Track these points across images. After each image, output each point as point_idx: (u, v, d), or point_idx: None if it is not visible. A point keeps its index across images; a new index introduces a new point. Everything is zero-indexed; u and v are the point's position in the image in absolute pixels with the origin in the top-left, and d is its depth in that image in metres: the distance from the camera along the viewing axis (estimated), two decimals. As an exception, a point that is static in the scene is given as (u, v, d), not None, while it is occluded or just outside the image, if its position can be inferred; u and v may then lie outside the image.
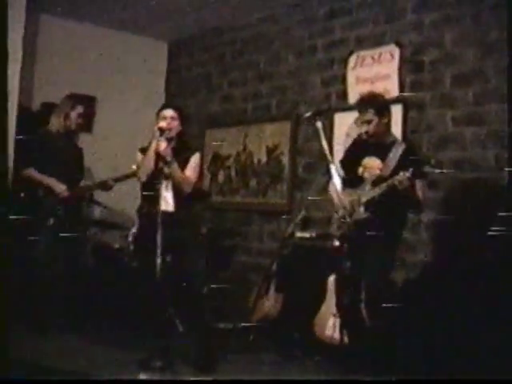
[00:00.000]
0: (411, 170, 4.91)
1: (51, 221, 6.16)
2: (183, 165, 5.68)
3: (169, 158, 5.45)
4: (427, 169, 4.95)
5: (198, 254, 5.75)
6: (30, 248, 6.11)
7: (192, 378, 4.85)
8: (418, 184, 5.12)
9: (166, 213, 5.34)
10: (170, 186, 5.53)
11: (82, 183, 6.59)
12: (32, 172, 6.28)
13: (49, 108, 6.75)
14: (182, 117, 5.80)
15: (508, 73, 5.41)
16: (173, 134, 5.63)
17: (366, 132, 5.38)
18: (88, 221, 7.19)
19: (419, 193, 5.16)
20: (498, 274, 5.12)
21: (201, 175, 5.95)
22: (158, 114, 5.76)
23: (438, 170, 5.04)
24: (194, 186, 5.78)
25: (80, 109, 6.41)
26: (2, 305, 3.95)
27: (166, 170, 5.43)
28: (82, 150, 6.66)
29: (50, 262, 6.12)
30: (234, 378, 4.96)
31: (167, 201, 5.47)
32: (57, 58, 8.27)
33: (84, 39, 8.61)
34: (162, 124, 5.56)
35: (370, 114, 5.33)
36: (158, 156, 5.49)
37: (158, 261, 5.01)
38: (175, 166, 5.54)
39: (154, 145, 5.50)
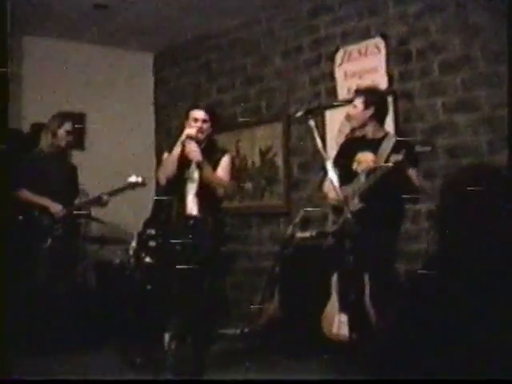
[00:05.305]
0: (404, 151, 4.89)
1: (49, 241, 6.12)
2: (213, 167, 5.57)
3: (200, 161, 5.38)
4: (418, 148, 4.91)
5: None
6: (30, 270, 6.08)
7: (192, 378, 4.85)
8: (413, 172, 5.08)
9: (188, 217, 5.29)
10: (194, 190, 5.45)
11: (77, 201, 6.56)
12: (25, 193, 6.23)
13: (39, 128, 6.70)
14: (215, 118, 5.69)
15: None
16: (203, 137, 5.54)
17: (348, 116, 5.39)
18: (87, 238, 7.14)
19: (415, 179, 5.12)
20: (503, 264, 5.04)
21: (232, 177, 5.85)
22: (187, 113, 5.66)
23: (429, 148, 4.96)
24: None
25: (68, 126, 6.36)
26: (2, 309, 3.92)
27: (195, 174, 5.37)
28: (75, 168, 6.62)
29: (51, 282, 6.08)
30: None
31: (192, 205, 5.39)
32: (43, 79, 8.23)
33: (69, 57, 8.54)
34: (191, 131, 5.45)
35: (358, 101, 5.33)
36: (183, 159, 5.41)
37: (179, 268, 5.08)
38: (208, 168, 5.46)
39: (179, 148, 5.43)
